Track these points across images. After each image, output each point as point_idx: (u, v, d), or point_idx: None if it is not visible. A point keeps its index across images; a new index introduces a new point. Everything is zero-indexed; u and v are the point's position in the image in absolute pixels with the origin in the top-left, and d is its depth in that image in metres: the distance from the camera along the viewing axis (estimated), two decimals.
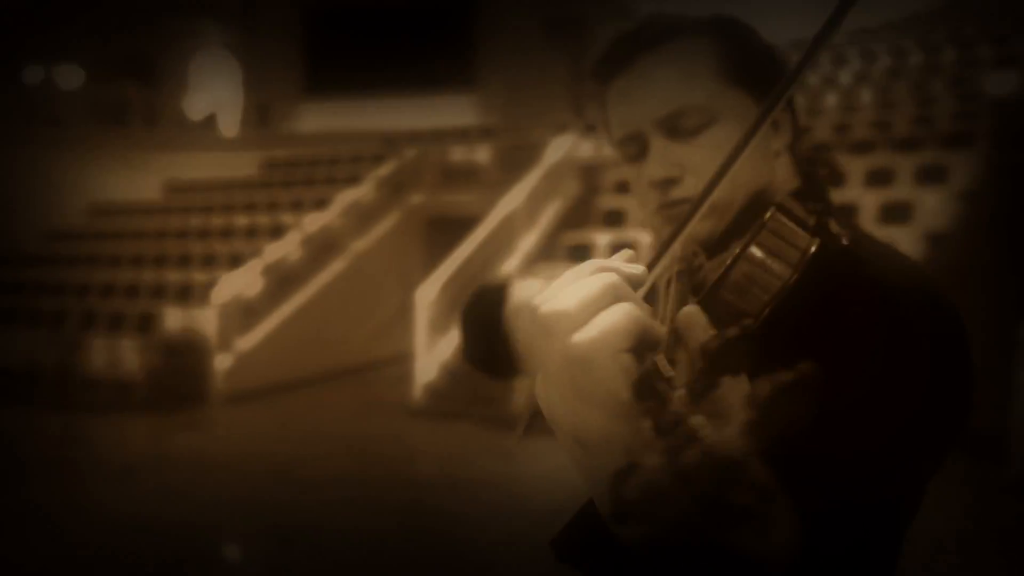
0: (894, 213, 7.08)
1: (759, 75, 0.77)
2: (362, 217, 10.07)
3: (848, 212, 6.52)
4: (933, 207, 6.98)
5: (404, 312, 8.05)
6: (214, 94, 14.08)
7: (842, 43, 11.92)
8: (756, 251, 0.54)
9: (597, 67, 0.85)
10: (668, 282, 0.62)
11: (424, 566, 3.82)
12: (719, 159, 0.74)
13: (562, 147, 9.97)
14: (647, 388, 0.39)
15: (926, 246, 6.47)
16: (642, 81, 0.79)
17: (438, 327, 7.33)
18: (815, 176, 0.78)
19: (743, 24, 0.80)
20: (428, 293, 7.28)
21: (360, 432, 6.54)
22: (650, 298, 0.70)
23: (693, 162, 0.77)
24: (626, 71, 0.80)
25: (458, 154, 11.28)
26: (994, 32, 10.67)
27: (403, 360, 7.68)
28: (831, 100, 10.55)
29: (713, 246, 0.75)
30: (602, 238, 7.87)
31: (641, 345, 0.44)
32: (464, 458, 5.78)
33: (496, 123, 12.11)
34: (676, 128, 0.77)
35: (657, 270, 0.59)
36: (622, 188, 9.21)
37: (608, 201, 8.99)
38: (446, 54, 12.84)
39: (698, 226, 0.74)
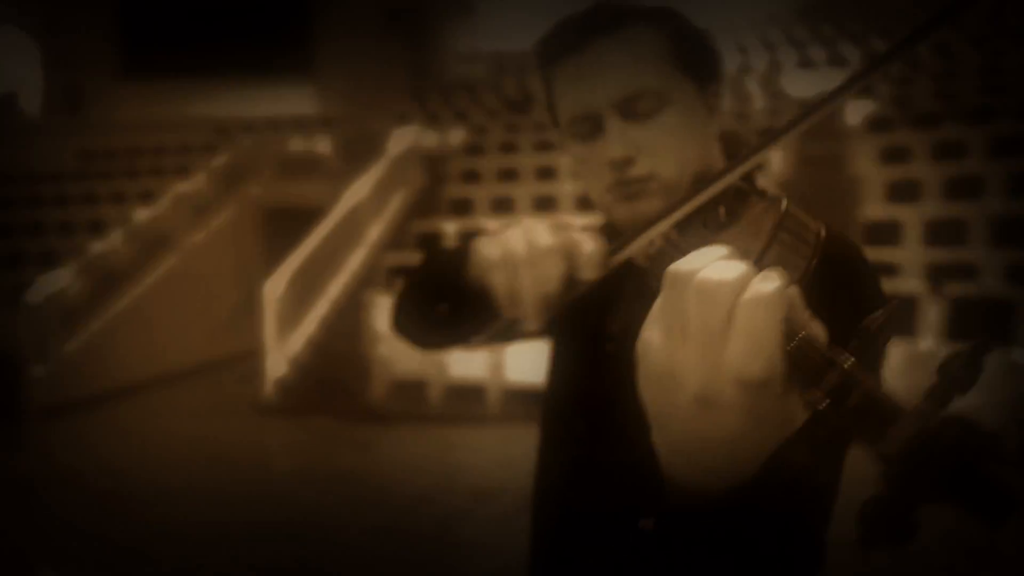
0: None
1: (701, 62, 0.85)
2: (195, 210, 9.47)
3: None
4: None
5: (246, 307, 7.70)
6: (10, 72, 12.58)
7: None
8: (785, 235, 0.59)
9: (546, 48, 0.88)
10: (649, 258, 0.66)
11: (286, 565, 3.71)
12: (671, 141, 0.82)
13: (405, 137, 9.91)
14: (802, 356, 0.39)
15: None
16: (599, 64, 0.83)
17: (287, 321, 7.08)
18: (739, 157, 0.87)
19: (683, 15, 0.86)
20: (276, 286, 7.01)
21: (208, 435, 6.19)
22: (632, 274, 0.73)
23: (648, 143, 0.82)
24: (578, 53, 0.84)
25: (297, 144, 10.89)
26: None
27: (249, 357, 7.35)
28: None
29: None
30: (450, 226, 7.94)
31: (792, 315, 0.43)
32: (321, 453, 5.65)
33: (336, 112, 11.81)
34: (632, 110, 0.82)
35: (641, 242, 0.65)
36: (468, 177, 9.34)
37: (455, 190, 9.07)
38: (282, 39, 12.30)
39: (647, 204, 0.82)
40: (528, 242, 0.75)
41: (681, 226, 0.66)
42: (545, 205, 8.18)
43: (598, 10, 0.84)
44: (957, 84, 8.67)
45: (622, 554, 0.82)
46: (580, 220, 7.31)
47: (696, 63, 0.85)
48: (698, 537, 0.48)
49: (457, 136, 10.61)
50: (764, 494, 0.45)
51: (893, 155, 7.27)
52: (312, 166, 10.44)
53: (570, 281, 0.74)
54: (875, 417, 0.36)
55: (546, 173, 8.91)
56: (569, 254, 0.73)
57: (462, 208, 8.58)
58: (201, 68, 12.11)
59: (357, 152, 10.07)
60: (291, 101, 12.20)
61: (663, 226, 0.65)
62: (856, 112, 8.22)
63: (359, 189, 8.61)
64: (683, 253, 0.57)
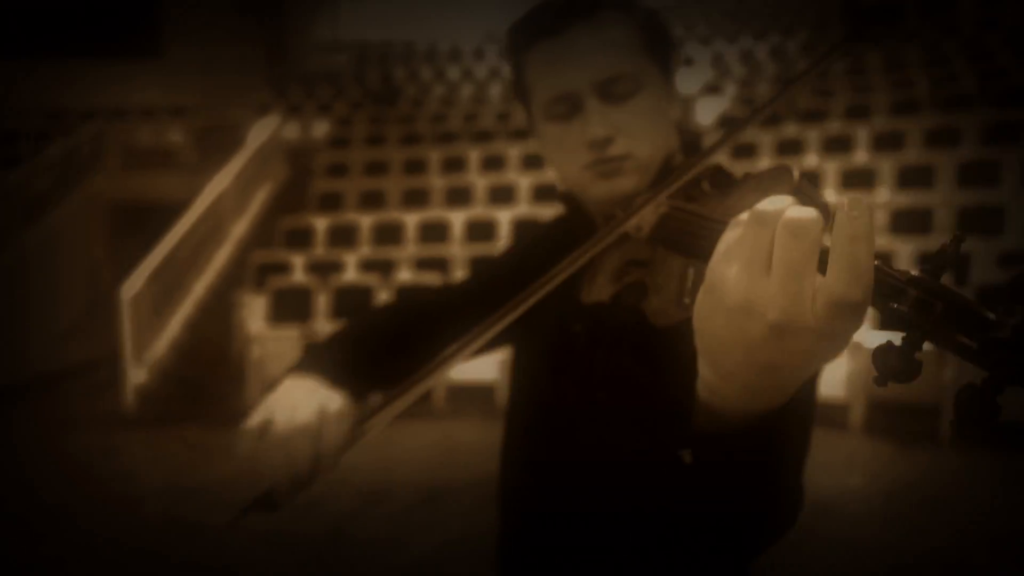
0: None
1: (666, 51, 0.91)
2: (28, 205, 8.62)
3: None
4: None
5: (95, 310, 7.13)
6: None
7: None
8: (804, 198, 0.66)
9: (521, 32, 0.91)
10: (658, 222, 0.70)
11: None
12: (647, 122, 0.88)
13: (266, 129, 9.52)
14: (885, 277, 0.43)
15: None
16: (578, 46, 0.86)
17: (147, 325, 6.63)
18: (689, 139, 0.95)
19: (649, 6, 0.92)
20: (133, 288, 6.54)
21: (65, 451, 5.70)
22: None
23: (625, 124, 0.87)
24: (557, 36, 0.87)
25: (146, 134, 10.16)
26: None
27: (101, 365, 6.82)
28: None
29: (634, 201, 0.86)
30: (320, 222, 7.72)
31: None
32: (189, 463, 5.36)
33: (189, 101, 11.12)
34: (610, 92, 0.86)
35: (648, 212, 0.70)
36: (335, 171, 9.10)
37: (322, 184, 8.81)
38: (125, 19, 11.39)
39: (624, 182, 0.88)
40: (279, 421, 0.79)
41: (675, 196, 0.72)
42: (415, 199, 8.14)
43: None
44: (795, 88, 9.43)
45: (596, 548, 0.87)
46: (458, 215, 7.37)
47: (662, 51, 0.91)
48: (735, 460, 0.54)
49: (321, 128, 10.31)
50: (789, 416, 0.53)
51: (741, 152, 7.84)
52: (164, 158, 9.79)
53: (316, 463, 0.77)
54: (964, 323, 0.40)
55: (415, 166, 8.86)
56: (318, 436, 0.78)
57: (331, 203, 8.36)
58: (32, 49, 11.00)
59: (214, 144, 9.55)
60: (138, 87, 11.36)
61: (665, 194, 0.71)
62: (708, 111, 8.79)
63: (220, 182, 8.18)
64: (691, 215, 0.65)
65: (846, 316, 0.42)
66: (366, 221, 7.60)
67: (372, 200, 8.26)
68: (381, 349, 1.02)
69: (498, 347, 1.09)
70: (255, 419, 0.81)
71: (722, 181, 0.79)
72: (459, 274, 6.18)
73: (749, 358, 0.47)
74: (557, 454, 0.93)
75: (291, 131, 10.08)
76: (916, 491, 4.19)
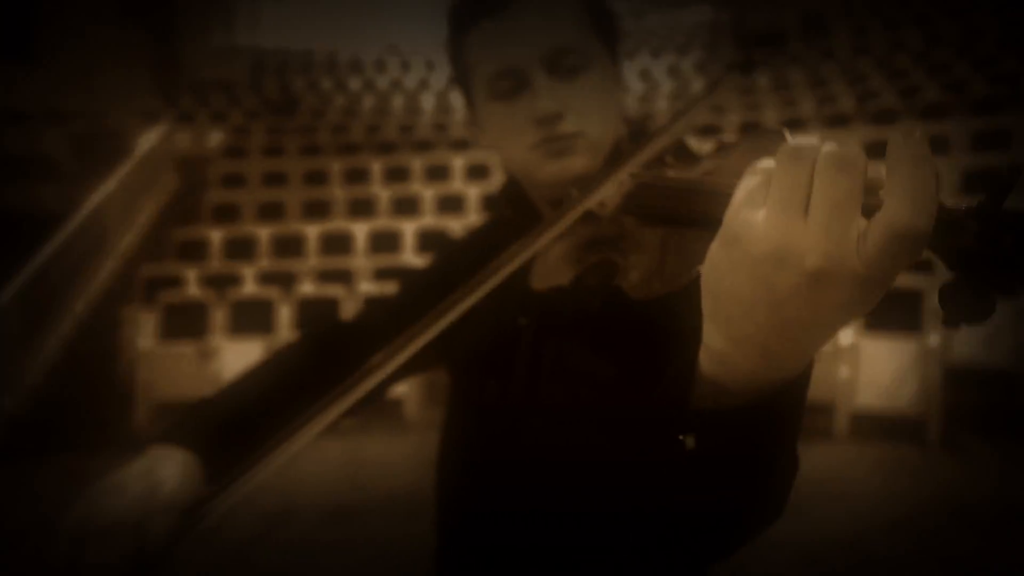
0: None
1: (611, 32, 0.88)
2: None
3: None
4: None
5: None
6: None
7: None
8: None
9: (461, 11, 0.86)
10: (624, 196, 0.66)
11: None
12: (597, 100, 0.83)
13: (153, 137, 9.03)
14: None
15: None
16: (523, 20, 0.83)
17: (18, 347, 6.10)
18: (636, 129, 0.92)
19: None
20: (4, 304, 6.01)
21: None
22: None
23: (575, 100, 0.82)
24: (500, 11, 0.83)
25: (17, 140, 9.43)
26: None
27: None
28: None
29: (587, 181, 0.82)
30: (215, 234, 7.36)
31: None
32: (66, 499, 4.94)
33: (69, 106, 10.41)
34: (558, 66, 0.82)
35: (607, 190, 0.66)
36: (231, 181, 8.73)
37: (217, 195, 8.42)
38: None
39: (575, 162, 0.83)
40: (99, 515, 0.73)
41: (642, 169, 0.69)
42: (316, 210, 7.90)
43: None
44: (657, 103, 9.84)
45: (547, 552, 0.81)
46: (361, 226, 7.20)
47: (608, 32, 0.88)
48: (741, 441, 0.49)
49: (215, 138, 9.88)
50: (800, 390, 0.48)
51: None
52: (40, 166, 9.11)
53: (141, 560, 0.72)
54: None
55: (316, 177, 8.62)
56: (141, 530, 0.72)
57: (227, 214, 7.99)
58: None
59: (97, 152, 8.97)
60: (7, 90, 10.54)
61: (628, 169, 0.67)
62: None
63: (103, 192, 7.68)
64: (673, 181, 0.60)
65: (906, 251, 0.38)
66: (264, 233, 7.30)
67: (271, 211, 7.96)
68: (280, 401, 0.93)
69: (424, 368, 1.02)
70: (73, 514, 0.74)
71: (686, 156, 0.75)
72: (364, 286, 6.02)
73: (774, 316, 0.42)
74: (502, 455, 0.87)
75: (183, 140, 9.60)
76: (812, 482, 4.37)
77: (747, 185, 0.43)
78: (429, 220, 7.48)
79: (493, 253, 0.96)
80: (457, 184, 8.27)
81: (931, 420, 4.60)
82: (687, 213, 0.58)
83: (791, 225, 0.40)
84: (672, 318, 0.61)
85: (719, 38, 13.10)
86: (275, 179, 8.66)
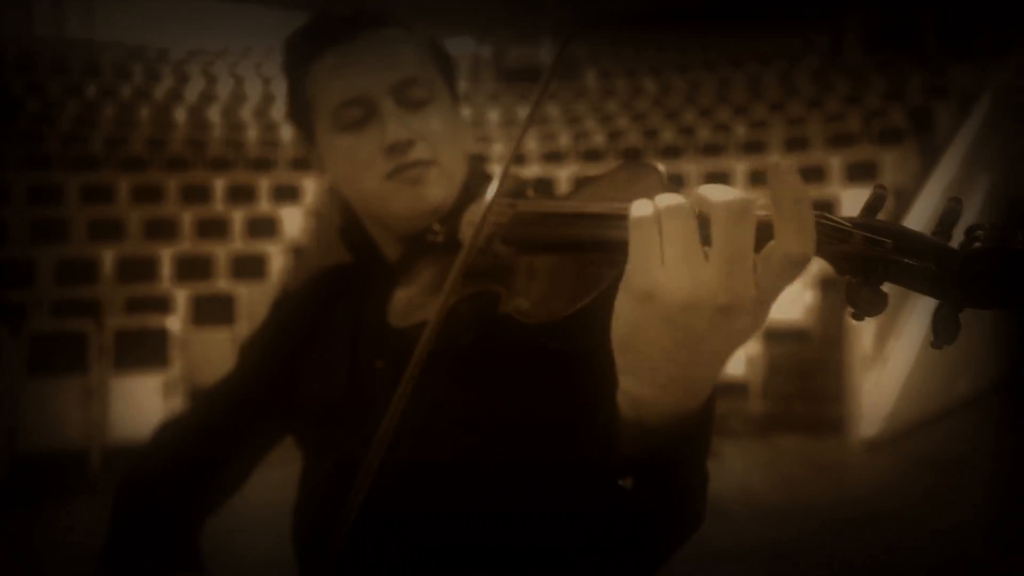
0: None
1: (454, 75, 0.90)
2: None
3: None
4: None
5: None
6: None
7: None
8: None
9: (307, 39, 0.85)
10: (502, 228, 0.69)
11: None
12: (446, 130, 0.85)
13: None
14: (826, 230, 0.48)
15: None
16: (371, 51, 0.83)
17: None
18: (480, 169, 0.93)
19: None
20: None
21: None
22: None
23: (424, 129, 0.82)
24: (346, 42, 0.83)
25: None
26: None
27: None
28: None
29: (447, 212, 0.83)
30: None
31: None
32: None
33: None
34: (406, 97, 0.82)
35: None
36: None
37: None
38: None
39: (432, 191, 0.83)
40: None
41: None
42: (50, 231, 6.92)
43: (360, 10, 0.86)
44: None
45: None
46: (107, 251, 6.39)
47: (450, 74, 0.90)
48: (675, 474, 0.54)
49: None
50: (713, 402, 0.55)
51: None
52: None
53: None
54: (913, 251, 0.46)
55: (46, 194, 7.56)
56: None
57: None
58: None
59: None
60: None
61: (496, 199, 0.69)
62: None
63: None
64: (554, 210, 0.64)
65: (796, 273, 0.45)
66: None
67: None
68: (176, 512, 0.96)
69: (275, 426, 0.95)
70: None
71: (547, 189, 0.80)
72: (111, 319, 5.36)
73: (694, 353, 0.48)
74: (367, 505, 0.81)
75: None
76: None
77: (638, 242, 0.47)
78: (187, 246, 6.90)
79: (338, 302, 0.93)
80: (219, 207, 7.73)
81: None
82: (572, 239, 0.62)
83: (696, 272, 0.45)
84: (567, 339, 0.63)
85: (481, 70, 13.69)
86: None
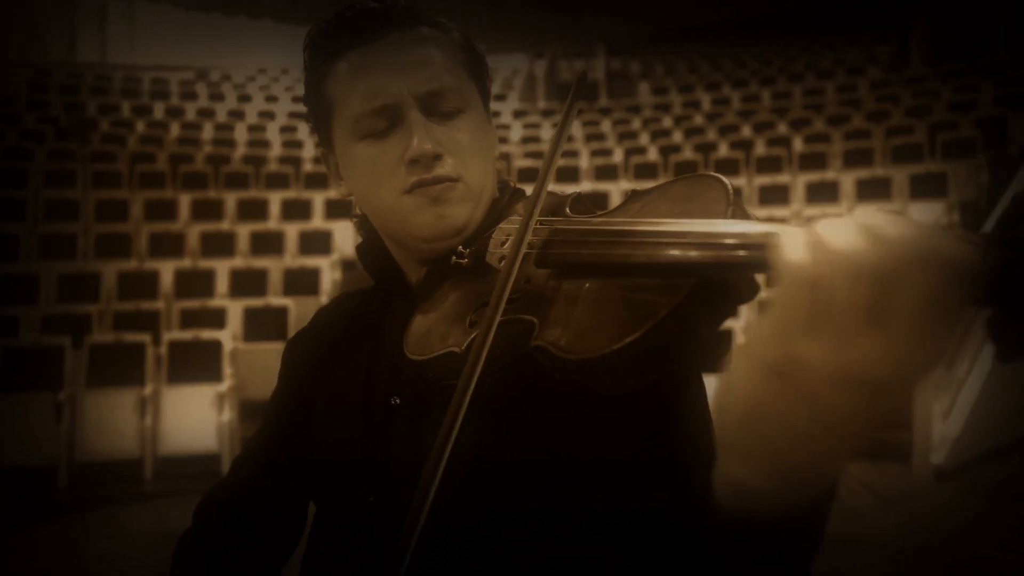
0: None
1: (485, 79, 0.82)
2: None
3: None
4: None
5: None
6: None
7: None
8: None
9: (330, 35, 0.78)
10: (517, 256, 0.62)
11: None
12: (474, 145, 0.77)
13: None
14: None
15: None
16: (402, 55, 0.75)
17: None
18: (504, 183, 0.86)
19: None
20: None
21: None
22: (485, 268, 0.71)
23: (452, 144, 0.75)
24: (374, 42, 0.76)
25: None
26: None
27: None
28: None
29: (471, 234, 0.76)
30: None
31: None
32: None
33: None
34: (434, 107, 0.76)
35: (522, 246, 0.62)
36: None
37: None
38: None
39: (456, 211, 0.76)
40: None
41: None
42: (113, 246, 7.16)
43: (391, 5, 0.78)
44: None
45: None
46: (167, 264, 6.59)
47: (482, 78, 0.82)
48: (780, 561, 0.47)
49: None
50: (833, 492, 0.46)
51: None
52: None
53: None
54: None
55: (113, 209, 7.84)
56: None
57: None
58: None
59: None
60: None
61: (535, 218, 0.62)
62: None
63: None
64: (582, 230, 0.57)
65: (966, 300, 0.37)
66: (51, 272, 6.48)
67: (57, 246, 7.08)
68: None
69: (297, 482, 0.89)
70: None
71: (585, 208, 0.71)
72: (167, 332, 5.49)
73: (835, 440, 0.39)
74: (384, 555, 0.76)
75: None
76: None
77: (792, 298, 0.38)
78: (240, 262, 7.03)
79: (354, 332, 0.86)
80: (273, 224, 7.88)
81: None
82: (620, 260, 0.54)
83: (858, 343, 0.36)
84: (612, 381, 0.54)
85: (534, 87, 13.71)
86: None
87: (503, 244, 0.70)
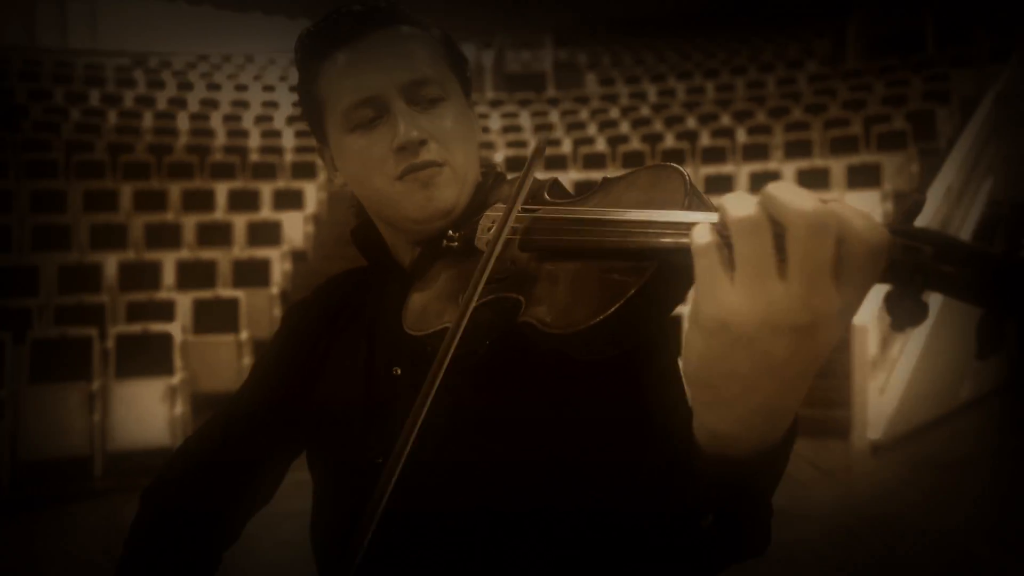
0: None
1: (465, 73, 0.89)
2: None
3: None
4: None
5: None
6: None
7: None
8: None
9: (318, 38, 0.84)
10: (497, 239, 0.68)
11: None
12: (457, 131, 0.84)
13: None
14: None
15: None
16: (382, 50, 0.82)
17: None
18: (490, 170, 0.92)
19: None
20: None
21: None
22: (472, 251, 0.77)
23: (436, 129, 0.82)
24: (358, 40, 0.82)
25: None
26: None
27: None
28: None
29: (459, 215, 0.83)
30: None
31: None
32: None
33: None
34: (417, 96, 0.82)
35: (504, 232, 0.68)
36: None
37: None
38: None
39: (443, 193, 0.82)
40: None
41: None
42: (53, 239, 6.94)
43: (373, 7, 0.84)
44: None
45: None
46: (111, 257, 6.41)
47: (463, 72, 0.89)
48: (752, 507, 0.54)
49: None
50: (795, 425, 0.52)
51: None
52: None
53: None
54: (953, 258, 0.43)
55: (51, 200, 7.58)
56: None
57: None
58: None
59: None
60: None
61: (519, 202, 0.69)
62: None
63: None
64: (562, 218, 0.63)
65: (877, 265, 0.42)
66: None
67: None
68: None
69: (293, 433, 0.95)
70: None
71: (562, 192, 0.78)
72: (114, 326, 5.37)
73: (776, 380, 0.45)
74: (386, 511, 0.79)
75: None
76: None
77: (706, 268, 0.45)
78: (187, 254, 6.91)
79: (353, 307, 0.93)
80: (220, 215, 7.74)
81: None
82: (594, 245, 0.61)
83: (772, 292, 0.42)
84: (591, 350, 0.61)
85: (482, 78, 13.72)
86: None
87: (489, 230, 0.77)
